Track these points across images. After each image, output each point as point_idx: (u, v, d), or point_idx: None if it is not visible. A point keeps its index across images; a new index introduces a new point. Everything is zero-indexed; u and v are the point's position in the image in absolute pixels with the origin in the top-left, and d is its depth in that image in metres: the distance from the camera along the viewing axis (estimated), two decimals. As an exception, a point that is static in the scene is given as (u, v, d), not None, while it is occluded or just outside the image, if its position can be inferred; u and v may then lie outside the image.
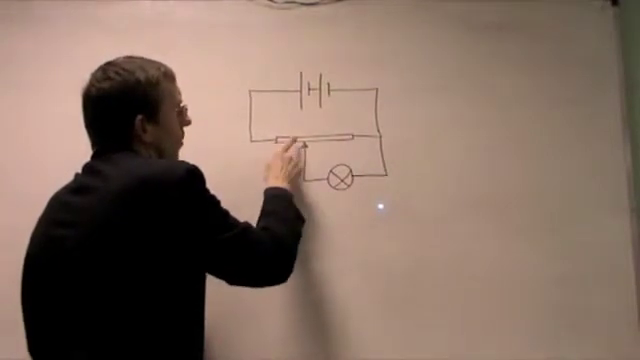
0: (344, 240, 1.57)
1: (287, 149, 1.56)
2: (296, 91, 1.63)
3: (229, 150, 1.59)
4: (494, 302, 1.56)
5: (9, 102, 1.63)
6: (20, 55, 1.65)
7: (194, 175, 1.13)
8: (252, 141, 1.61)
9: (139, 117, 1.19)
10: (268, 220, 1.30)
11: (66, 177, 1.21)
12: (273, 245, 1.22)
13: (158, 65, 1.25)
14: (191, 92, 1.34)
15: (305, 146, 1.60)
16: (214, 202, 1.17)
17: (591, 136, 1.62)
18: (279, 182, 1.46)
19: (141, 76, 1.20)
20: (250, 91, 1.62)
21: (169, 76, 1.27)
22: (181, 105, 1.31)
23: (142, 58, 1.25)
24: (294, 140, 1.59)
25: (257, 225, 1.29)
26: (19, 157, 1.61)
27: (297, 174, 1.56)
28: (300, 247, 1.53)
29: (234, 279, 1.20)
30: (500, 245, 1.58)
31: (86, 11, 1.66)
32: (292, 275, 1.52)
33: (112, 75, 1.19)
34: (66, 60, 1.63)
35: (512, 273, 1.57)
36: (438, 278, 1.56)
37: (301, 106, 1.63)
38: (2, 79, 1.64)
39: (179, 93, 1.31)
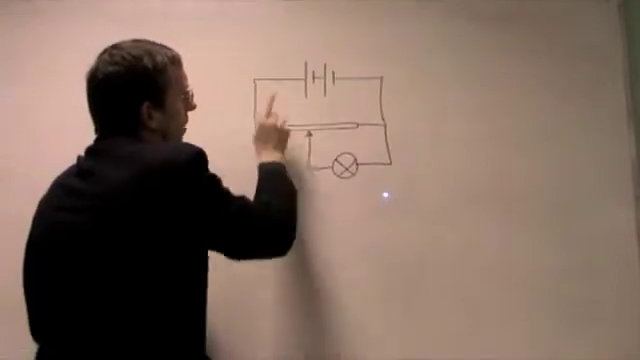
0: (348, 228, 1.57)
1: (268, 114, 1.51)
2: (301, 79, 1.63)
3: (234, 139, 1.58)
4: (497, 293, 1.56)
5: (14, 94, 1.64)
6: (24, 47, 1.66)
7: (200, 157, 1.15)
8: (257, 129, 1.61)
9: (146, 104, 1.19)
10: (268, 196, 1.31)
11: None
12: (275, 220, 1.25)
13: (165, 50, 1.25)
14: (196, 81, 1.34)
15: (310, 134, 1.60)
16: (218, 182, 1.18)
17: (595, 126, 1.62)
18: (270, 154, 1.45)
19: (148, 63, 1.20)
20: (255, 80, 1.63)
21: (176, 61, 1.27)
22: (187, 90, 1.32)
23: (149, 42, 1.25)
24: (272, 99, 1.53)
25: (255, 200, 1.30)
26: (25, 149, 1.62)
27: (285, 137, 1.52)
28: (304, 235, 1.55)
29: (237, 253, 1.22)
30: (504, 236, 1.58)
31: (91, 2, 1.67)
32: (296, 263, 1.54)
33: (119, 60, 1.19)
34: (71, 51, 1.64)
35: (516, 264, 1.56)
36: (442, 267, 1.56)
37: (306, 95, 1.63)
38: (7, 71, 1.65)
39: (185, 78, 1.31)
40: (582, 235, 1.57)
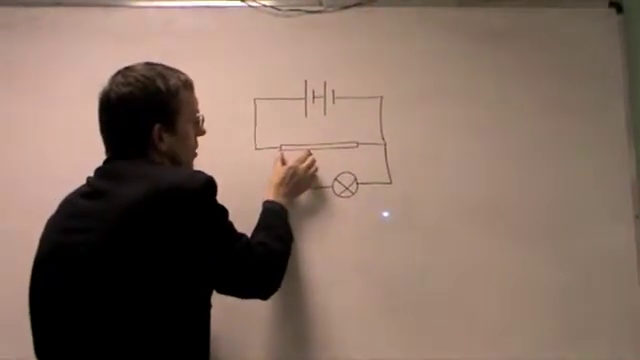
0: (349, 248, 1.57)
1: (303, 161, 1.56)
2: (301, 99, 1.64)
3: (234, 157, 1.59)
4: (498, 310, 1.56)
5: (18, 110, 1.63)
6: (27, 62, 1.66)
7: (212, 186, 1.15)
8: (257, 149, 1.61)
9: (157, 126, 1.20)
10: (265, 235, 1.32)
11: (75, 182, 1.22)
12: (269, 261, 1.26)
13: (178, 74, 1.26)
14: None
15: (310, 154, 1.60)
16: (225, 214, 1.19)
17: (595, 145, 1.63)
18: (279, 196, 1.47)
19: (162, 85, 1.21)
20: (255, 99, 1.63)
21: (188, 86, 1.28)
22: (197, 115, 1.32)
23: (162, 65, 1.26)
24: (308, 153, 1.59)
25: (253, 234, 1.31)
26: (29, 163, 1.61)
27: (298, 192, 1.56)
28: (305, 254, 1.55)
29: (226, 288, 1.22)
30: (504, 252, 1.58)
31: (91, 19, 1.67)
32: (297, 281, 1.54)
33: (132, 81, 1.19)
34: (72, 67, 1.64)
35: (516, 280, 1.57)
36: (442, 285, 1.56)
37: (306, 114, 1.63)
38: (10, 86, 1.65)
39: (197, 103, 1.32)
40: (581, 253, 1.58)
